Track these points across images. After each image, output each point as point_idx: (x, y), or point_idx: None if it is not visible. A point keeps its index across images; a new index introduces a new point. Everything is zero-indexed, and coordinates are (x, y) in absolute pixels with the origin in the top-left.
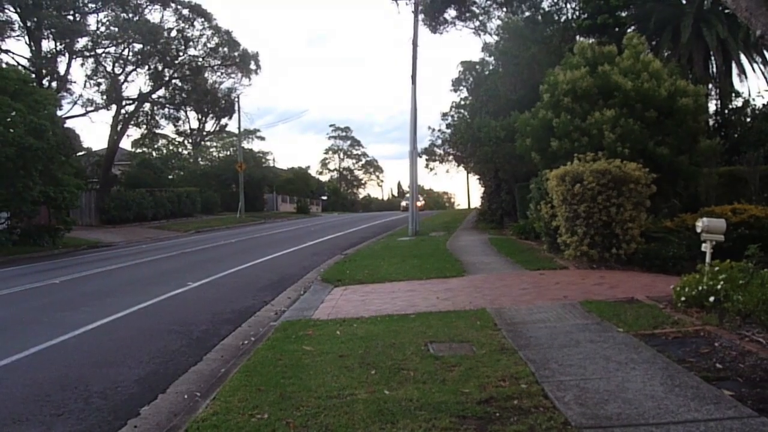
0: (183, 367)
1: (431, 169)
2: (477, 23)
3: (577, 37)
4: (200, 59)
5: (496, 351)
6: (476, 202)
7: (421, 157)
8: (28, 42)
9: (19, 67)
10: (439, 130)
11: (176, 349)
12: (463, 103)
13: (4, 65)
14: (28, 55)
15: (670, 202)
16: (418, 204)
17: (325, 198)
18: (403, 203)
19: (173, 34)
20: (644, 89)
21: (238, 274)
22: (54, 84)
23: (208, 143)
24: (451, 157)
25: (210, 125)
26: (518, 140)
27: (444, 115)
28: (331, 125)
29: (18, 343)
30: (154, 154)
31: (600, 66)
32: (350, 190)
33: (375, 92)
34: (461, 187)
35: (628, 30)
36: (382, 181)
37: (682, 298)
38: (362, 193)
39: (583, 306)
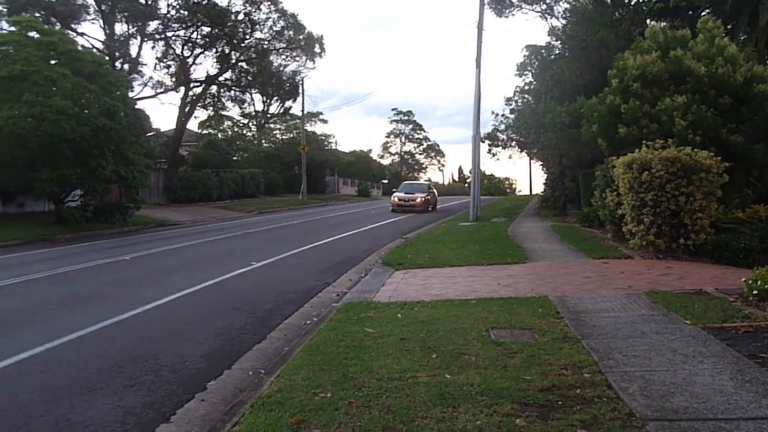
0: (247, 344)
1: (494, 155)
2: (543, 6)
3: (648, 21)
4: (266, 42)
5: (558, 339)
6: (538, 189)
7: (483, 142)
8: (102, 25)
9: (94, 50)
10: (503, 115)
11: (241, 326)
12: (527, 88)
13: (80, 48)
14: (102, 38)
15: (743, 192)
16: (419, 200)
17: (386, 181)
18: (396, 198)
19: (240, 17)
20: (718, 75)
21: (300, 255)
22: (126, 66)
23: (272, 125)
24: (514, 143)
25: (274, 108)
26: (584, 126)
27: (508, 100)
28: (393, 109)
29: (92, 316)
30: (219, 135)
31: (672, 50)
32: (411, 174)
33: (438, 76)
34: (523, 173)
35: (703, 13)
36: (443, 165)
37: (755, 292)
38: (423, 177)
39: (648, 296)
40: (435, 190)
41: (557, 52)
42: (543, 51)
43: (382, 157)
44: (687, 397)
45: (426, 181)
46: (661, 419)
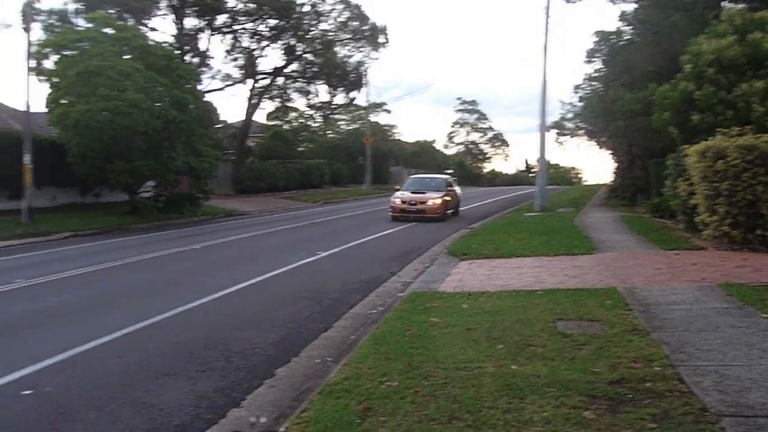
0: (314, 332)
1: (560, 144)
2: None
3: (724, 4)
4: (331, 34)
5: (627, 331)
6: (606, 179)
7: (549, 131)
8: (173, 20)
9: (165, 44)
10: (570, 104)
11: (308, 315)
12: (596, 75)
13: (151, 42)
14: (173, 32)
15: None
16: (431, 203)
17: (450, 171)
18: (398, 200)
19: (305, 9)
20: None
21: (365, 244)
22: (195, 59)
23: (337, 116)
24: (581, 132)
25: (339, 98)
26: (655, 114)
27: (576, 87)
28: (457, 98)
29: (165, 303)
30: (285, 126)
31: (750, 34)
32: (475, 164)
33: (504, 65)
34: (590, 163)
35: None
36: (508, 155)
37: None
38: (488, 167)
39: (723, 289)
40: (457, 188)
41: (627, 37)
42: (613, 37)
43: (446, 147)
44: (764, 393)
45: (445, 174)
46: (737, 415)
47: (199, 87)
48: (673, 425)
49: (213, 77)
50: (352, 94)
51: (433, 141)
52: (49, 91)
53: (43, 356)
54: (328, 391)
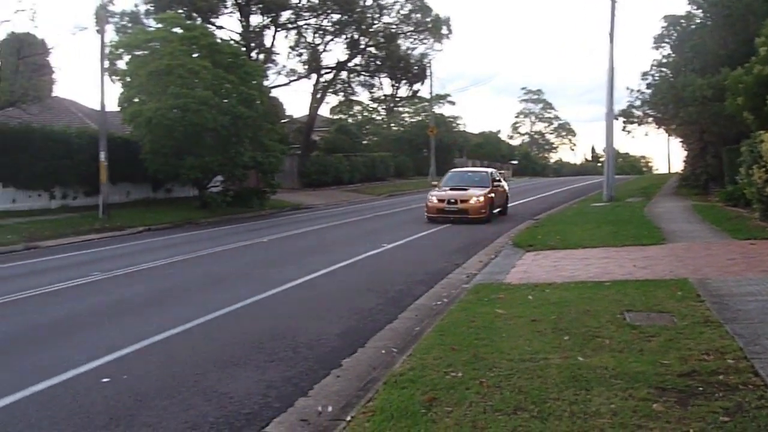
0: (380, 324)
1: (628, 132)
2: None
3: None
4: (394, 26)
5: (698, 323)
6: (677, 167)
7: (617, 119)
8: (239, 18)
9: (232, 42)
10: (638, 91)
11: (373, 307)
12: (665, 61)
13: (218, 40)
14: (239, 30)
15: None
16: (474, 200)
17: (515, 162)
18: (434, 198)
19: (368, 2)
20: None
21: (430, 236)
22: (261, 56)
23: (401, 109)
24: (650, 119)
25: (403, 91)
26: (728, 99)
27: (644, 74)
28: (522, 88)
29: (234, 295)
30: (350, 120)
31: None
32: (541, 155)
33: (569, 53)
34: (660, 151)
35: None
36: (574, 145)
37: None
38: (554, 157)
39: None
40: (504, 183)
41: (698, 21)
42: (682, 21)
43: (511, 137)
44: None
45: (487, 168)
46: None
47: (264, 83)
48: (747, 419)
49: (278, 73)
50: (415, 87)
51: (498, 132)
52: (122, 90)
53: (121, 346)
54: (394, 382)
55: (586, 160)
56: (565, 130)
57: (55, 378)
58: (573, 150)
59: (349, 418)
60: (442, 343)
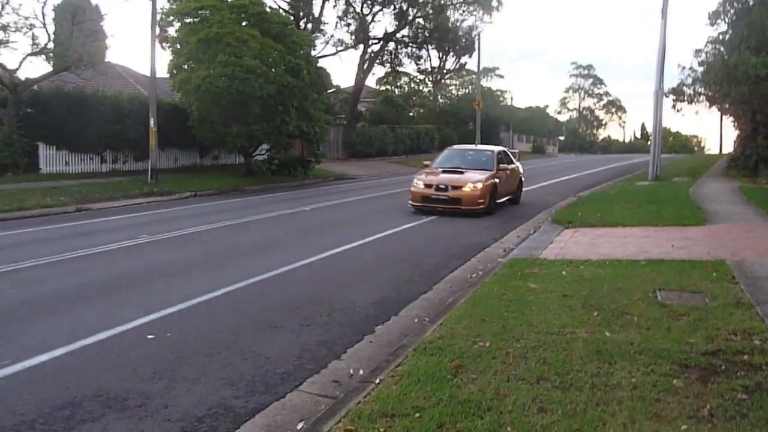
0: (414, 294)
1: (678, 110)
2: None
3: None
4: None
5: (730, 304)
6: (729, 148)
7: (667, 96)
8: None
9: (280, 11)
10: (690, 69)
11: (408, 277)
12: (720, 38)
13: (267, 9)
14: None
15: None
16: (470, 187)
17: (562, 138)
18: (421, 182)
19: None
20: None
21: None
22: (309, 26)
23: (448, 81)
24: (702, 98)
25: (450, 63)
26: None
27: (697, 51)
28: (572, 63)
29: (274, 261)
30: (396, 91)
31: None
32: (589, 131)
33: (621, 28)
34: (713, 131)
35: None
36: (624, 122)
37: None
38: (602, 134)
39: None
40: (517, 165)
41: None
42: None
43: (559, 113)
44: None
45: (494, 147)
46: None
47: (312, 53)
48: (765, 397)
49: (326, 43)
50: (463, 59)
51: (546, 107)
52: (172, 57)
53: (166, 305)
54: (423, 348)
55: (636, 138)
56: (615, 106)
57: (104, 333)
58: (622, 127)
59: (378, 381)
60: (472, 314)
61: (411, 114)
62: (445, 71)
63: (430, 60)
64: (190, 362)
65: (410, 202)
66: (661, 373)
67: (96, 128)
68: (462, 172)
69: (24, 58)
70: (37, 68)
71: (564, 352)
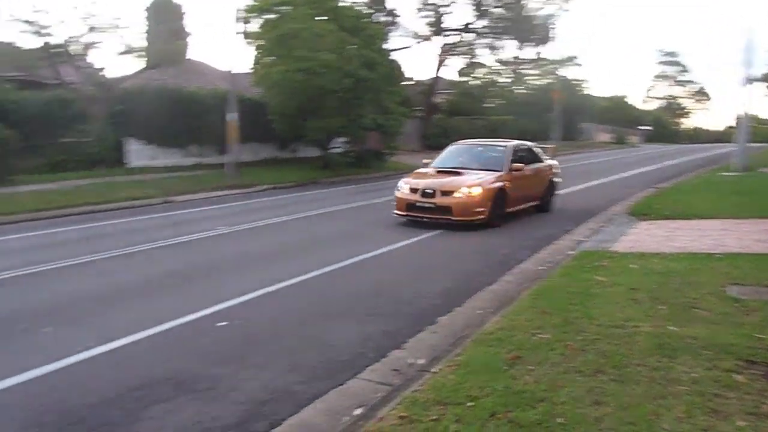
0: (480, 285)
1: None
2: None
3: None
4: None
5: None
6: None
7: (751, 83)
8: None
9: (355, 5)
10: None
11: (476, 269)
12: None
13: (343, 4)
14: None
15: None
16: (464, 193)
17: (645, 128)
18: (407, 186)
19: None
20: None
21: None
22: (384, 18)
23: (526, 71)
24: None
25: (528, 53)
26: None
27: None
28: (658, 50)
29: (346, 252)
30: (473, 82)
31: None
32: (674, 121)
33: (708, 13)
34: None
35: None
36: (710, 110)
37: None
38: (687, 123)
39: None
40: (548, 161)
41: None
42: None
43: (643, 102)
44: None
45: (509, 142)
46: None
47: (387, 45)
48: None
49: (402, 35)
50: (540, 49)
51: (626, 96)
52: (253, 53)
53: (238, 294)
54: (482, 339)
55: (724, 127)
56: (702, 95)
57: (179, 319)
58: (710, 116)
59: (435, 370)
60: (535, 306)
61: (489, 105)
62: (523, 61)
63: (507, 50)
64: (257, 348)
65: (395, 210)
66: (724, 369)
67: (180, 123)
68: (459, 173)
69: (113, 58)
70: (125, 66)
71: (625, 346)
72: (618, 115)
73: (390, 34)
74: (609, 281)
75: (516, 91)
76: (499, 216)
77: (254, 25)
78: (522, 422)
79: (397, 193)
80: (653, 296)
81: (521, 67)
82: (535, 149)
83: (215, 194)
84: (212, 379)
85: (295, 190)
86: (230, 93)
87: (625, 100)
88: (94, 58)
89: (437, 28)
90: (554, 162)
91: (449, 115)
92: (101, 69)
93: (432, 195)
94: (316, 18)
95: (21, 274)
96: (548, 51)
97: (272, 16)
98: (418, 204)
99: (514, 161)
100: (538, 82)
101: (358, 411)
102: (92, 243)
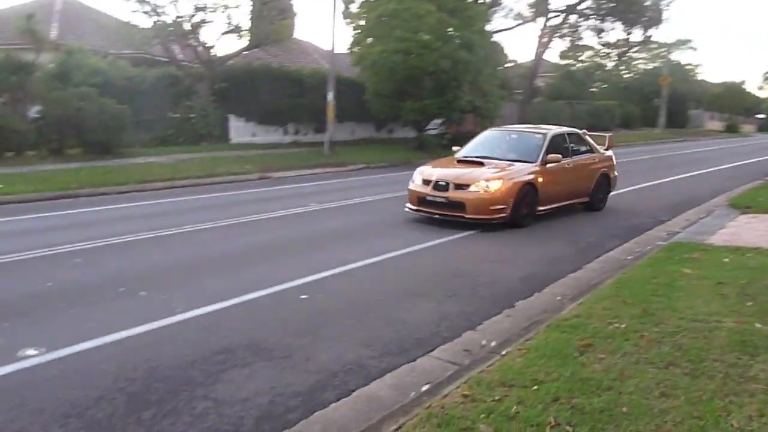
0: (563, 272)
1: None
2: None
3: None
4: None
5: None
6: None
7: None
8: None
9: None
10: None
11: (560, 256)
12: None
13: None
14: None
15: None
16: (494, 186)
17: (762, 116)
18: (421, 177)
19: None
20: None
21: (639, 191)
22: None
23: (634, 55)
24: None
25: (636, 36)
26: None
27: None
28: None
29: (429, 234)
30: (577, 66)
31: None
32: None
33: None
34: None
35: None
36: None
37: None
38: None
39: None
40: (597, 153)
41: None
42: None
43: (761, 88)
44: None
45: (548, 128)
46: None
47: (489, 27)
48: None
49: (504, 17)
50: (649, 32)
51: (743, 82)
52: (353, 33)
53: (322, 269)
54: (556, 325)
55: None
56: None
57: (263, 291)
58: None
59: (504, 352)
60: (616, 295)
61: (593, 90)
62: (631, 44)
63: (613, 33)
64: (334, 322)
65: (407, 205)
66: None
67: (280, 102)
68: (481, 164)
69: (219, 37)
70: (230, 45)
71: (703, 340)
72: (732, 102)
73: (493, 16)
74: (696, 274)
75: (623, 75)
76: (526, 215)
77: (355, 5)
78: (585, 408)
79: (410, 186)
80: (742, 292)
81: (628, 50)
82: (584, 138)
83: (310, 172)
84: (289, 349)
85: (388, 170)
86: (329, 72)
87: (743, 87)
88: (201, 36)
89: (540, 9)
90: (609, 153)
91: (549, 98)
92: (209, 47)
93: (445, 188)
94: None
95: (126, 240)
96: (659, 34)
97: None
98: (428, 198)
99: (550, 152)
100: (646, 66)
101: (425, 387)
102: (192, 214)
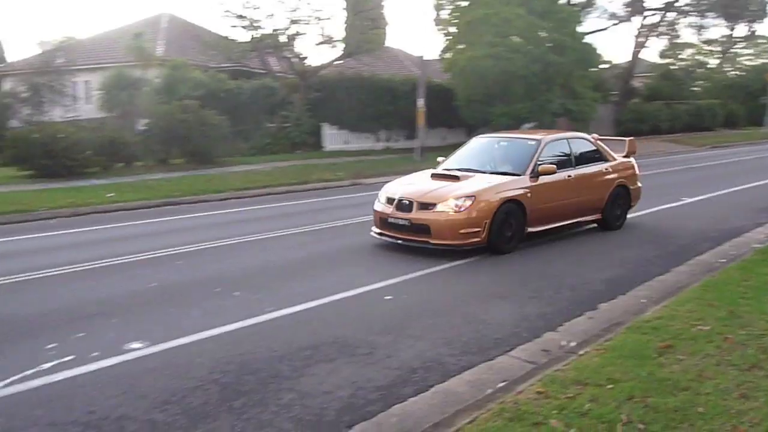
0: (650, 275)
1: None
2: None
3: None
4: None
5: None
6: None
7: None
8: None
9: None
10: None
11: (648, 258)
12: None
13: None
14: None
15: None
16: (464, 204)
17: None
18: (382, 197)
19: None
20: None
21: (739, 193)
22: (580, 0)
23: (739, 51)
24: None
25: (740, 31)
26: None
27: None
28: None
29: None
30: (677, 65)
31: None
32: None
33: None
34: None
35: None
36: None
37: None
38: None
39: None
40: (613, 162)
41: None
42: None
43: None
44: None
45: (545, 136)
46: None
47: (582, 28)
48: None
49: (598, 17)
50: (754, 26)
51: None
52: (444, 39)
53: (407, 271)
54: (637, 327)
55: None
56: None
57: (350, 292)
58: None
59: (582, 352)
60: (701, 297)
61: (694, 89)
62: (735, 40)
63: (713, 29)
64: (416, 321)
65: (372, 228)
66: None
67: (372, 109)
68: (456, 178)
69: (313, 48)
70: (323, 55)
71: None
72: None
73: (587, 16)
74: None
75: (727, 73)
76: (511, 238)
77: (445, 12)
78: (659, 407)
79: (375, 205)
80: None
81: (732, 46)
82: (594, 144)
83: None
84: (372, 346)
85: None
86: (419, 79)
87: None
88: (296, 48)
89: (636, 8)
90: (629, 161)
91: (648, 99)
92: (303, 58)
93: (408, 208)
94: (507, 4)
95: (222, 245)
96: (766, 28)
97: (464, 2)
98: (390, 220)
99: (543, 162)
100: (750, 63)
101: (501, 384)
102: (284, 220)
